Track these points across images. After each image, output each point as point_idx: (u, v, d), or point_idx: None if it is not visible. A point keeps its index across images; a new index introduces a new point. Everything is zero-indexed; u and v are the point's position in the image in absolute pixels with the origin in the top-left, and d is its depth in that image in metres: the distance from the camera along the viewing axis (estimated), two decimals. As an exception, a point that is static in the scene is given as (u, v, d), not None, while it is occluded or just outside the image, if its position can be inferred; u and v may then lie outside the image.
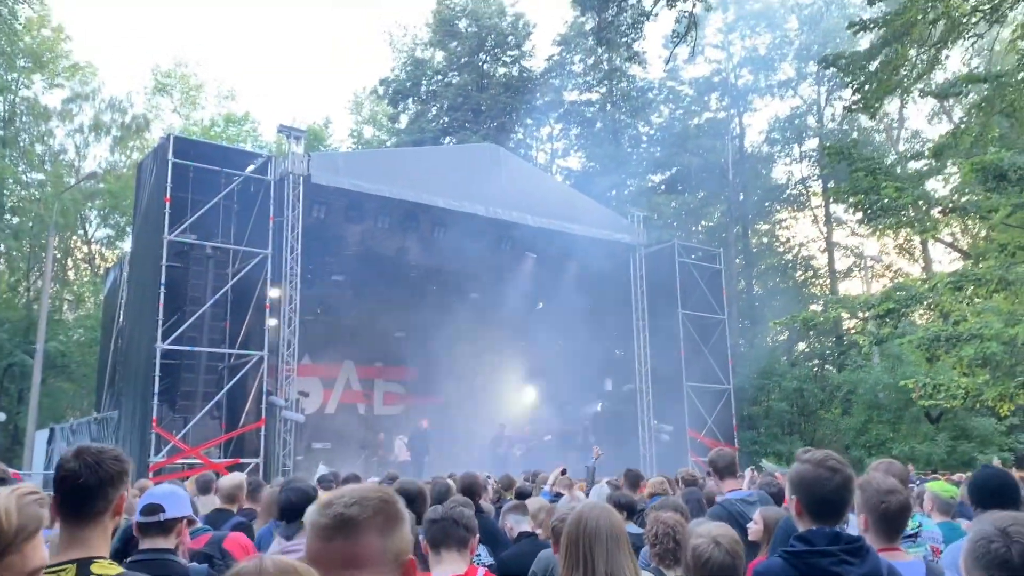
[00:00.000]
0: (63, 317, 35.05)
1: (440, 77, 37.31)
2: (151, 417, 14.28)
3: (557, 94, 37.54)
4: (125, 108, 38.27)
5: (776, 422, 29.68)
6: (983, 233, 25.19)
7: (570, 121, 38.60)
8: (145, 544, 3.15)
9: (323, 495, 1.69)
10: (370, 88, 41.66)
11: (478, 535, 3.73)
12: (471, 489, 6.02)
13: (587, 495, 8.07)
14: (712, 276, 23.30)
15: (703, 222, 37.60)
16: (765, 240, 39.52)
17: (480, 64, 36.90)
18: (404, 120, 38.80)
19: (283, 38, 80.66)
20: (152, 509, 3.17)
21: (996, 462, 15.45)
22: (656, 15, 16.43)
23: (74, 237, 37.71)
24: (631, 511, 5.71)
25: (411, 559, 1.64)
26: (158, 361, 14.48)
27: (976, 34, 16.05)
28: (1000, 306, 12.70)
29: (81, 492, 2.37)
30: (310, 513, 1.62)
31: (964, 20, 14.47)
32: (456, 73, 36.74)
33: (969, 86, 14.91)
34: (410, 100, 38.07)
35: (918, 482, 10.79)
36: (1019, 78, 14.33)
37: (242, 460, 15.00)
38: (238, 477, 6.41)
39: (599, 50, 33.28)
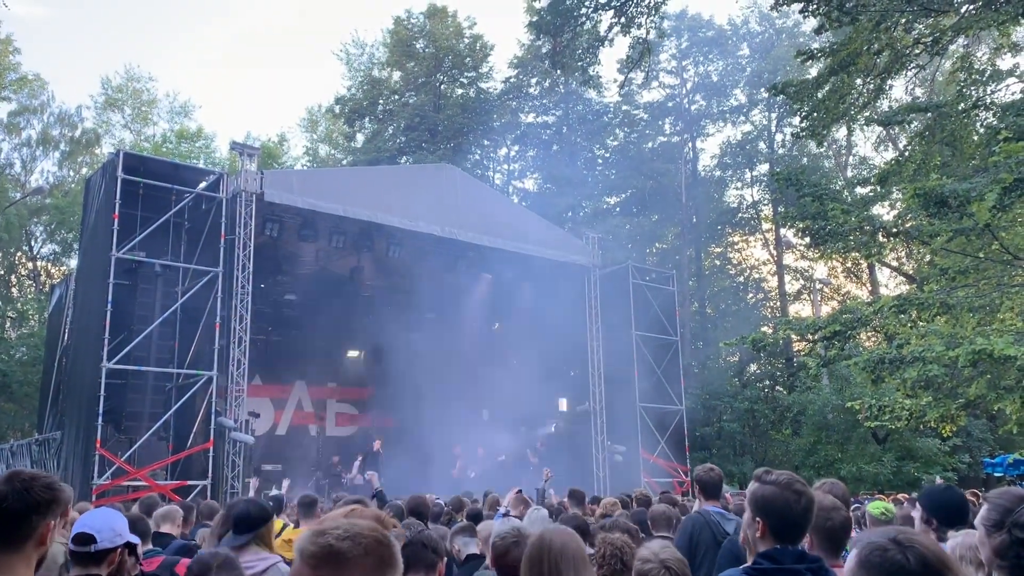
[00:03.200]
0: (6, 335, 34.09)
1: (397, 97, 37.35)
2: (95, 438, 13.92)
3: (514, 116, 37.85)
4: (75, 122, 37.65)
5: (728, 443, 29.99)
6: (927, 258, 25.88)
7: (526, 143, 38.91)
8: (76, 571, 3.10)
9: (318, 523, 1.63)
10: (326, 106, 41.59)
11: (445, 558, 3.70)
12: (418, 511, 5.99)
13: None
14: (665, 298, 23.55)
15: (657, 244, 38.10)
16: (718, 263, 40.14)
17: (437, 85, 37.02)
18: (360, 139, 38.73)
19: (239, 54, 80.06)
20: (84, 539, 3.10)
21: (939, 481, 15.79)
22: (611, 41, 16.63)
23: (19, 253, 36.80)
24: (583, 533, 5.70)
25: None
26: (103, 381, 14.15)
27: (919, 65, 16.59)
28: (942, 329, 13.03)
29: (6, 518, 2.27)
30: (301, 539, 1.57)
31: (907, 52, 14.94)
32: (413, 93, 36.81)
33: (912, 115, 15.37)
34: (366, 119, 38.02)
35: (865, 502, 10.99)
36: (959, 108, 14.82)
37: (189, 482, 14.69)
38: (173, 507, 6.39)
39: (555, 74, 33.63)
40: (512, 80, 37.84)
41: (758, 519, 2.83)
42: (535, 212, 24.93)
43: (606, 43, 16.60)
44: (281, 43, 79.68)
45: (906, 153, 17.22)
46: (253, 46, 79.41)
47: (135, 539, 3.39)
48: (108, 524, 3.21)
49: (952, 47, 16.60)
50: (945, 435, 17.66)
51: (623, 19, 15.63)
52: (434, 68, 36.65)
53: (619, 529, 4.50)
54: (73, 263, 32.48)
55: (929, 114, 14.99)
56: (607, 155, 38.86)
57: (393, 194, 18.43)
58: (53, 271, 37.33)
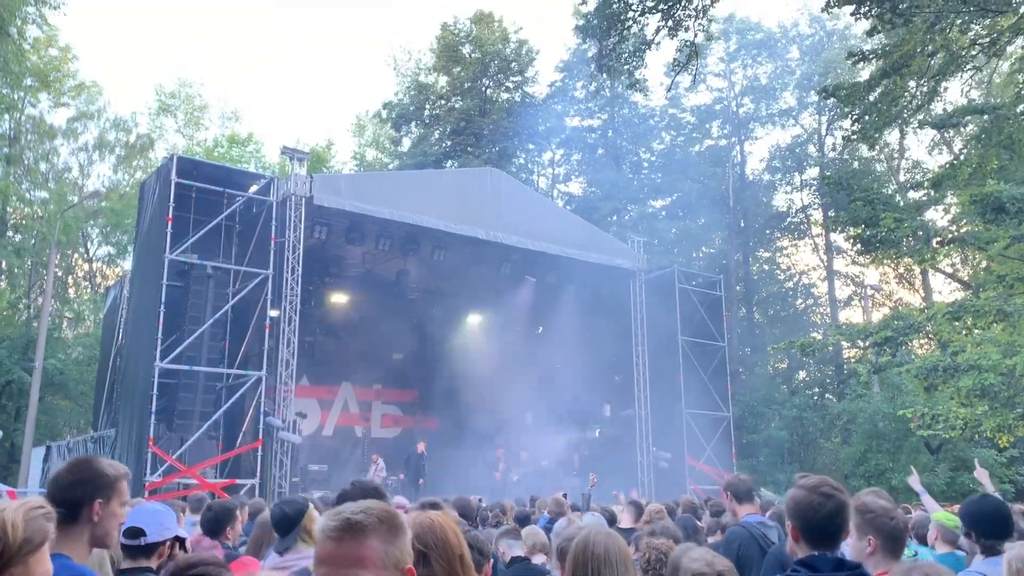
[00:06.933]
0: (62, 335, 35.01)
1: (443, 102, 37.56)
2: (148, 436, 14.25)
3: (559, 120, 37.78)
4: (129, 128, 38.56)
5: (775, 450, 29.54)
6: (983, 264, 25.23)
7: (571, 146, 38.83)
8: (127, 564, 3.20)
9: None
10: (373, 111, 42.01)
11: (492, 560, 3.72)
12: (464, 512, 6.01)
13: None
14: (712, 303, 23.30)
15: (704, 248, 37.68)
16: (766, 268, 39.59)
17: (483, 89, 37.16)
18: (407, 143, 39.02)
19: (287, 60, 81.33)
20: (134, 532, 3.20)
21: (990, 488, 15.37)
22: (658, 44, 16.49)
23: (75, 255, 37.79)
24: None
25: (410, 568, 1.76)
26: (156, 380, 14.48)
27: (975, 66, 16.20)
28: (999, 337, 12.70)
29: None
30: (321, 520, 1.78)
31: (963, 53, 14.60)
32: (459, 98, 36.98)
33: (967, 117, 15.01)
34: (413, 124, 38.30)
35: (914, 512, 10.72)
36: (1018, 111, 14.43)
37: (238, 481, 14.94)
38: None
39: (601, 77, 33.51)
40: (558, 84, 37.85)
41: (790, 523, 2.87)
42: (580, 216, 24.85)
43: (653, 46, 16.47)
44: (330, 49, 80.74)
45: (961, 157, 16.83)
46: (302, 52, 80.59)
47: (184, 533, 3.48)
48: (156, 519, 3.31)
49: (1010, 48, 16.17)
50: (1002, 446, 17.22)
51: (670, 22, 15.49)
52: (480, 73, 36.80)
53: (664, 535, 4.47)
54: (127, 265, 33.29)
55: (986, 116, 14.63)
56: (653, 159, 38.60)
57: (439, 198, 18.54)
58: (108, 273, 38.28)
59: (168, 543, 3.26)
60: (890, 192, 23.50)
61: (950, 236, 13.31)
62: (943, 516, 5.63)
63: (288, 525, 4.07)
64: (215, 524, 5.03)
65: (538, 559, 5.14)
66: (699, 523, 7.16)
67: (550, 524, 6.91)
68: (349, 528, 1.70)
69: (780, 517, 5.79)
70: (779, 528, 5.18)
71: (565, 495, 8.39)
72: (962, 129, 17.94)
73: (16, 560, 1.42)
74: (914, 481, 6.81)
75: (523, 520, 7.19)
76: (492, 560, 3.72)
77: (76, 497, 2.66)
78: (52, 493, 2.68)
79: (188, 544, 3.52)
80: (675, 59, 17.05)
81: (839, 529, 2.81)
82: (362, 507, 1.75)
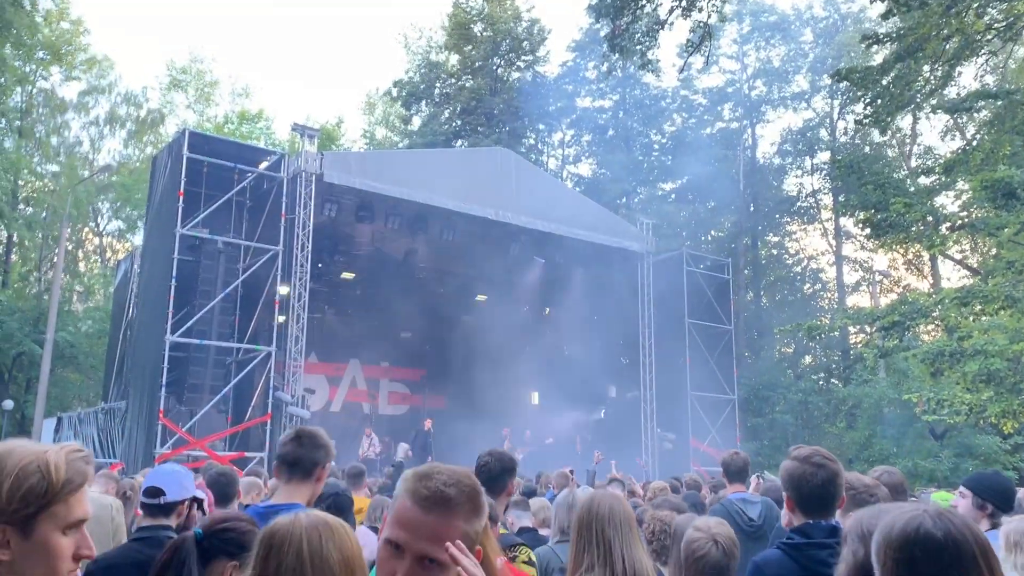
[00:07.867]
0: (72, 308, 35.27)
1: (454, 80, 37.45)
2: (158, 408, 14.40)
3: (570, 100, 37.66)
4: (140, 103, 38.60)
5: (780, 434, 29.62)
6: (993, 251, 25.16)
7: (582, 127, 38.74)
8: (147, 522, 3.30)
9: (419, 467, 1.79)
10: (384, 89, 41.87)
11: (498, 523, 3.80)
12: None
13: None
14: (720, 286, 23.31)
15: (712, 232, 37.62)
16: (774, 252, 39.50)
17: (494, 68, 37.02)
18: (417, 122, 38.95)
19: (298, 38, 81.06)
20: (153, 492, 3.30)
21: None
22: (671, 24, 16.42)
23: (86, 229, 37.96)
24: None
25: (479, 549, 1.71)
26: (167, 353, 14.61)
27: (990, 51, 16.09)
28: (1006, 323, 12.70)
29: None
30: (408, 480, 1.71)
31: (978, 37, 14.50)
32: (470, 77, 36.86)
33: (981, 103, 14.93)
34: (423, 102, 38.21)
35: (921, 495, 10.81)
36: (1032, 96, 14.35)
37: (247, 454, 15.10)
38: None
39: (613, 57, 33.34)
40: (569, 64, 37.69)
41: (785, 493, 2.94)
42: (589, 197, 24.84)
43: (666, 26, 16.42)
44: (340, 27, 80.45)
45: (974, 142, 16.75)
46: (312, 30, 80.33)
47: (201, 494, 3.58)
48: (176, 479, 3.42)
49: (1026, 33, 16.05)
50: (1006, 432, 17.24)
51: (684, 2, 15.44)
52: (491, 52, 36.65)
53: (668, 507, 4.55)
54: (137, 240, 33.45)
55: (1000, 101, 14.56)
56: (664, 141, 38.47)
57: (448, 177, 18.55)
58: (118, 247, 38.45)
59: (186, 503, 3.36)
60: (901, 177, 23.39)
61: (960, 222, 13.28)
62: (938, 496, 5.71)
63: (340, 511, 4.07)
64: (228, 489, 5.15)
65: (545, 531, 5.23)
66: (704, 499, 7.26)
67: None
68: (439, 501, 1.65)
69: (774, 491, 5.92)
70: (763, 504, 5.30)
71: (572, 471, 8.49)
72: (975, 115, 17.83)
73: (58, 499, 1.53)
74: None
75: (530, 494, 7.28)
76: (498, 523, 3.79)
77: (314, 459, 3.04)
78: (291, 452, 3.02)
79: (206, 506, 3.62)
80: (688, 40, 17.00)
81: (832, 498, 2.87)
82: (454, 480, 1.69)
